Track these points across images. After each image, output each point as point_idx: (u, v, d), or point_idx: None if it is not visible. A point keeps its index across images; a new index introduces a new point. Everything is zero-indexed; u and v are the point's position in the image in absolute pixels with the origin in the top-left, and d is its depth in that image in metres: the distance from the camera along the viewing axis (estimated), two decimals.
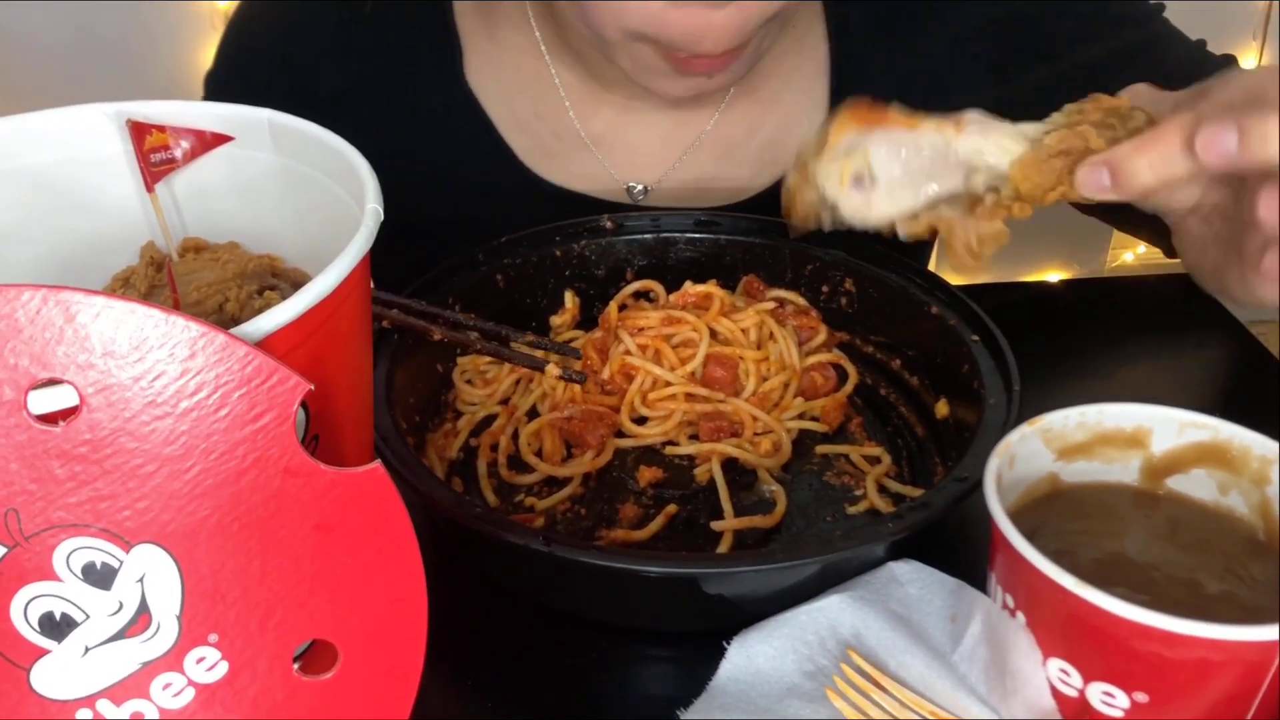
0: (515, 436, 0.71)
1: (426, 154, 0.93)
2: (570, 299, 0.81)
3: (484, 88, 0.92)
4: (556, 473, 0.69)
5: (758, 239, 0.81)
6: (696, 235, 0.82)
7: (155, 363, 0.39)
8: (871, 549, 0.56)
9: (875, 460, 0.71)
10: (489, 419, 0.73)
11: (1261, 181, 0.54)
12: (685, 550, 0.65)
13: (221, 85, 0.97)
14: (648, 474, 0.69)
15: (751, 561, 0.55)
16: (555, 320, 0.80)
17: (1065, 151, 0.57)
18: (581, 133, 0.92)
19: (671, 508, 0.67)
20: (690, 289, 0.77)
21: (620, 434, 0.72)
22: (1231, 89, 0.56)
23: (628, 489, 0.69)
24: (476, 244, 0.81)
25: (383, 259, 0.97)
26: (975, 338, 0.70)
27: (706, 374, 0.72)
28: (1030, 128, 0.59)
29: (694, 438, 0.71)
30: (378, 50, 0.91)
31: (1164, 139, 0.56)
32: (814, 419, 0.74)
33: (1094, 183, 0.57)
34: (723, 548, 0.64)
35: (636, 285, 0.81)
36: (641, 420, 0.72)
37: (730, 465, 0.69)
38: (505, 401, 0.75)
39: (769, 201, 0.92)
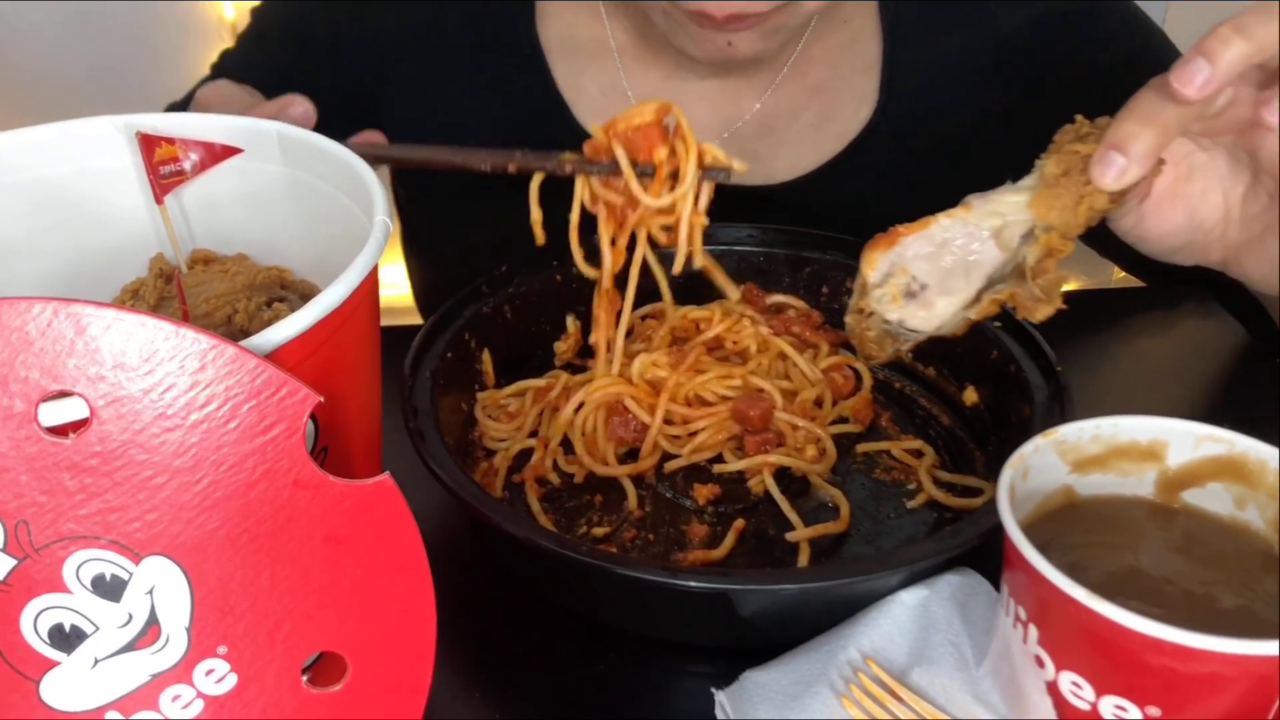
0: (555, 466, 0.70)
1: (484, 96, 0.95)
2: (572, 324, 0.80)
3: (548, 38, 0.94)
4: (615, 473, 0.68)
5: (751, 246, 0.81)
6: None
7: (165, 375, 0.39)
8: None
9: (918, 453, 0.71)
10: (522, 454, 0.72)
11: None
12: (768, 565, 0.64)
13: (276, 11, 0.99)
14: (704, 491, 0.68)
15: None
16: (559, 346, 0.79)
17: (1067, 170, 0.60)
18: (629, 93, 0.94)
19: (739, 522, 0.66)
20: (691, 314, 0.77)
21: (668, 456, 0.71)
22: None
23: (687, 509, 0.68)
24: (518, 193, 0.80)
25: (424, 201, 0.94)
26: (998, 324, 0.71)
27: (739, 411, 0.71)
28: (1024, 180, 0.62)
29: (738, 450, 0.71)
30: None
31: (1140, 99, 0.58)
32: (843, 420, 0.74)
33: (1112, 169, 0.58)
34: (802, 558, 0.64)
35: (645, 309, 0.79)
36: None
37: (780, 475, 0.69)
38: (534, 434, 0.73)
39: (804, 186, 0.93)
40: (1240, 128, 0.65)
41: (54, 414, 0.39)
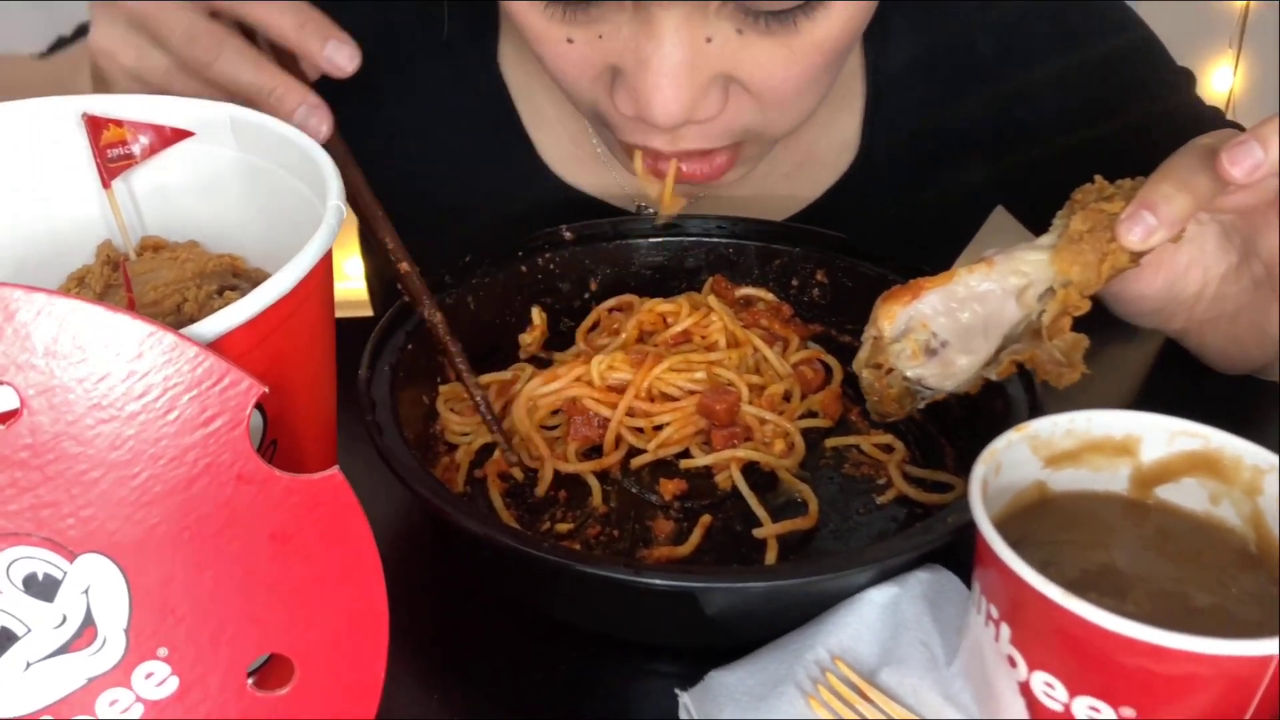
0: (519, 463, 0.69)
1: (443, 127, 0.90)
2: (538, 315, 0.78)
3: (512, 76, 0.90)
4: (577, 469, 0.67)
5: (720, 238, 0.79)
6: (658, 239, 0.80)
7: (100, 363, 0.37)
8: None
9: (887, 448, 0.70)
10: (485, 449, 0.69)
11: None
12: (735, 562, 0.63)
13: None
14: (670, 487, 0.67)
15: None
16: (524, 339, 0.77)
17: (1093, 227, 0.59)
18: (593, 140, 0.89)
19: (706, 518, 0.65)
20: (658, 307, 0.75)
21: (635, 451, 0.69)
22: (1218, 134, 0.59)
23: (653, 505, 0.66)
24: (478, 226, 0.79)
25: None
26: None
27: (705, 405, 0.69)
28: (1042, 239, 0.61)
29: (706, 444, 0.69)
30: (417, 9, 0.89)
31: (1179, 162, 0.57)
32: (812, 414, 0.72)
33: (1141, 227, 0.57)
34: (770, 555, 0.62)
35: (612, 301, 0.78)
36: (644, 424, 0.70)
37: (748, 470, 0.68)
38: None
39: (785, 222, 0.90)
40: (1244, 210, 0.64)
41: None
